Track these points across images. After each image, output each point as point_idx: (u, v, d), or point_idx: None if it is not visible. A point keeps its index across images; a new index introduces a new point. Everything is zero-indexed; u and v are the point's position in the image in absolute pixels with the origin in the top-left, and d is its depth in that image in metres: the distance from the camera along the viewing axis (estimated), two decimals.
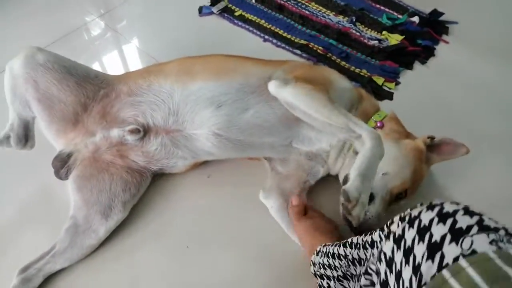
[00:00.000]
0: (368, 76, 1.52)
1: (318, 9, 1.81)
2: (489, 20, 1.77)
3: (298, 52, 1.63)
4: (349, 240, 0.86)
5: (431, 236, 0.56)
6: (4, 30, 1.81)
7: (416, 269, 0.55)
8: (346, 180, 0.91)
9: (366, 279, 0.74)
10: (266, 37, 1.71)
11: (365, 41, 1.66)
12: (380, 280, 0.64)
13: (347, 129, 0.99)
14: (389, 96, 1.46)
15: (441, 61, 1.61)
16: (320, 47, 1.63)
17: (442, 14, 1.76)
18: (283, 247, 1.14)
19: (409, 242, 0.58)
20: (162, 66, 1.22)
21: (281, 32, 1.72)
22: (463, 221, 0.55)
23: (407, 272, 0.57)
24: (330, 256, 0.91)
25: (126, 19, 1.90)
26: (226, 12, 1.83)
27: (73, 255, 1.10)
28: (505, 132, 1.37)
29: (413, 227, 0.59)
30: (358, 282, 0.78)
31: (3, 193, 1.27)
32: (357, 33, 1.69)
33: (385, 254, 0.63)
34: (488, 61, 1.60)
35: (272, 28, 1.74)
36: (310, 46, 1.65)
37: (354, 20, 1.73)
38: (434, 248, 0.55)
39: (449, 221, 0.56)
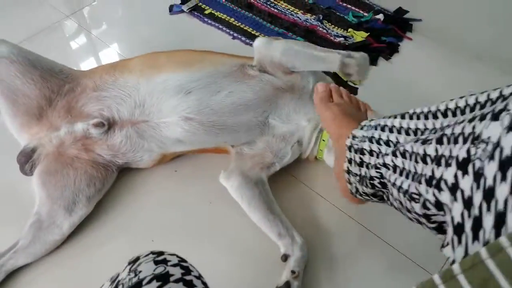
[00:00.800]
0: (333, 72, 1.55)
1: (287, 8, 1.84)
2: (452, 18, 1.83)
3: None
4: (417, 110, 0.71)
5: None
6: None
7: None
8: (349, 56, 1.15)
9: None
10: (235, 34, 1.73)
11: (332, 38, 1.69)
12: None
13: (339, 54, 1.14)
14: (354, 91, 1.50)
15: (405, 57, 1.65)
16: None
17: (406, 12, 1.81)
18: (251, 240, 1.15)
19: None
20: (127, 61, 1.23)
21: (249, 29, 1.75)
22: None
23: None
24: (369, 140, 0.79)
25: (97, 18, 1.90)
26: (196, 11, 1.84)
27: (36, 251, 1.09)
28: None
29: None
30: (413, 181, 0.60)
31: None
32: (324, 31, 1.72)
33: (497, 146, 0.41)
34: (450, 57, 1.65)
35: (241, 26, 1.77)
36: None
37: (321, 18, 1.77)
38: None
39: None
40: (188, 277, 0.60)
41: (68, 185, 1.14)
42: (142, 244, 1.15)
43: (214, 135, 1.18)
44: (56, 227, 1.11)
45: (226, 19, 1.80)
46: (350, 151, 0.85)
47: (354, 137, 0.85)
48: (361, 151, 0.81)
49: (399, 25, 1.75)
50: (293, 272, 1.04)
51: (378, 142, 0.77)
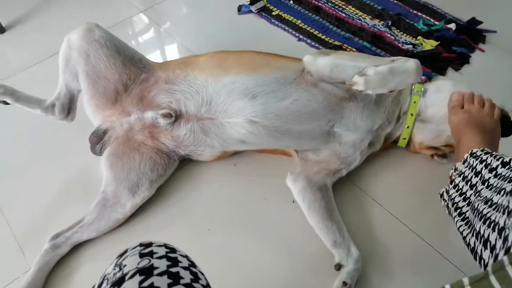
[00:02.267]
0: None
1: (355, 12, 1.83)
2: None
3: None
4: (508, 159, 0.80)
5: None
6: (55, 20, 1.93)
7: None
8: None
9: None
10: (301, 36, 1.75)
11: (399, 45, 1.66)
12: None
13: (393, 61, 1.11)
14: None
15: (476, 69, 1.59)
16: (353, 49, 1.65)
17: (480, 22, 1.74)
18: (304, 242, 1.15)
19: None
20: (197, 58, 1.27)
21: (316, 32, 1.75)
22: None
23: None
24: (480, 163, 0.86)
25: (169, 14, 1.98)
26: (264, 11, 1.88)
27: (100, 227, 1.16)
28: None
29: None
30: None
31: (44, 166, 1.35)
32: (392, 37, 1.69)
33: None
34: None
35: (308, 29, 1.77)
36: (343, 47, 1.67)
37: (389, 24, 1.74)
38: None
39: None
40: (174, 269, 0.59)
41: (134, 168, 1.20)
42: (198, 231, 1.19)
43: (276, 139, 1.19)
44: (119, 207, 1.17)
45: (293, 21, 1.82)
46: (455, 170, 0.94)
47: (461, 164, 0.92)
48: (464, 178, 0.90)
49: (471, 35, 1.69)
50: (344, 283, 1.03)
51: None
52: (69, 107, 1.30)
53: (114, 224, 1.17)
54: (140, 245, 0.64)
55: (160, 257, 0.61)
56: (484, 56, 1.64)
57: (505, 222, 0.66)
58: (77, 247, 1.16)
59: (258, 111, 1.15)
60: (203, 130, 1.20)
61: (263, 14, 1.86)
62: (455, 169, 0.94)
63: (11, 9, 1.97)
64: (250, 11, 1.88)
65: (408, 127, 1.23)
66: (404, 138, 1.25)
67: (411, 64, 1.09)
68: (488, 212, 0.73)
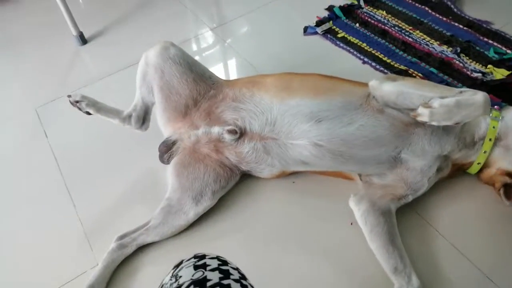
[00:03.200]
0: None
1: (422, 37, 1.81)
2: None
3: None
4: None
5: None
6: (132, 35, 2.07)
7: None
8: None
9: None
10: (366, 59, 1.76)
11: (468, 72, 1.62)
12: None
13: (461, 93, 1.10)
14: None
15: None
16: (419, 74, 1.64)
17: None
18: (360, 266, 1.15)
19: None
20: (264, 79, 1.31)
21: (381, 56, 1.76)
22: None
23: None
24: None
25: (236, 33, 2.06)
26: (329, 33, 1.90)
27: (163, 232, 1.22)
28: None
29: None
30: None
31: (117, 169, 1.46)
32: (460, 64, 1.66)
33: None
34: None
35: (373, 52, 1.78)
36: (409, 72, 1.66)
37: (458, 51, 1.71)
38: None
39: None
40: (226, 281, 0.62)
41: (198, 178, 1.26)
42: (253, 245, 1.22)
43: (340, 163, 1.21)
44: (183, 214, 1.23)
45: (358, 43, 1.83)
46: None
47: None
48: None
49: None
50: None
51: None
52: (144, 118, 1.39)
53: (177, 230, 1.23)
54: (195, 257, 0.68)
55: (212, 269, 0.64)
56: None
57: None
58: (141, 249, 1.23)
59: (323, 135, 1.17)
60: (266, 149, 1.24)
61: (329, 36, 1.89)
62: None
63: (93, 23, 2.14)
64: (316, 33, 1.92)
65: (485, 152, 1.20)
66: (479, 163, 1.22)
67: (480, 97, 1.07)
68: None
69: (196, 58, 1.85)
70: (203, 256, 0.68)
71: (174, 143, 1.32)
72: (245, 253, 1.20)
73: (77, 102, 1.36)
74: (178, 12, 2.19)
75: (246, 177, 1.36)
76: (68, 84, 1.82)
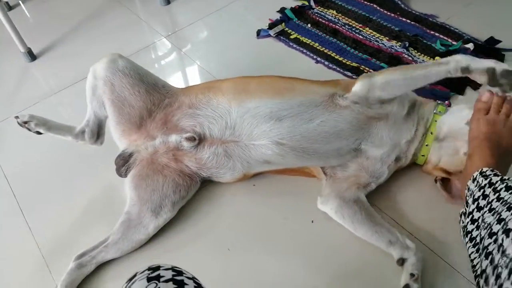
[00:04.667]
0: None
1: (372, 34, 1.85)
2: None
3: (349, 74, 1.68)
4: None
5: None
6: (83, 48, 2.03)
7: None
8: (492, 72, 1.06)
9: None
10: (319, 59, 1.78)
11: None
12: None
13: (444, 65, 1.12)
14: None
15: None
16: (371, 70, 1.67)
17: (499, 41, 1.74)
18: (327, 259, 1.17)
19: None
20: (219, 84, 1.30)
21: (333, 54, 1.79)
22: None
23: None
24: (489, 186, 0.87)
25: (190, 40, 2.05)
26: (282, 35, 1.92)
27: (123, 247, 1.19)
28: None
29: None
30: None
31: (72, 186, 1.42)
32: (409, 58, 1.71)
33: None
34: None
35: (325, 51, 1.81)
36: (361, 68, 1.69)
37: (407, 45, 1.76)
38: None
39: None
40: None
41: (157, 189, 1.24)
42: (218, 251, 1.21)
43: (304, 159, 1.22)
44: (142, 227, 1.21)
45: (311, 44, 1.85)
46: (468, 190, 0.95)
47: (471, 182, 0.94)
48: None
49: (490, 55, 1.68)
50: (412, 275, 1.05)
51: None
52: (98, 132, 1.36)
53: (137, 245, 1.21)
54: (148, 268, 0.67)
55: (166, 281, 0.63)
56: None
57: (498, 260, 0.69)
58: (101, 266, 1.19)
59: (284, 133, 1.17)
60: (227, 153, 1.23)
61: (282, 37, 1.91)
62: (468, 189, 0.94)
63: (42, 37, 2.09)
64: (269, 35, 1.93)
65: (427, 145, 1.24)
66: (423, 155, 1.26)
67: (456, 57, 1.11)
68: (489, 244, 0.75)
69: (152, 67, 1.85)
70: (157, 268, 0.67)
71: (130, 155, 1.29)
72: (208, 260, 1.19)
73: (25, 122, 1.31)
74: (130, 21, 2.16)
75: (206, 183, 1.35)
76: (18, 103, 1.77)
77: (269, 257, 1.18)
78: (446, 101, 1.27)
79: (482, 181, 0.90)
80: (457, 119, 1.21)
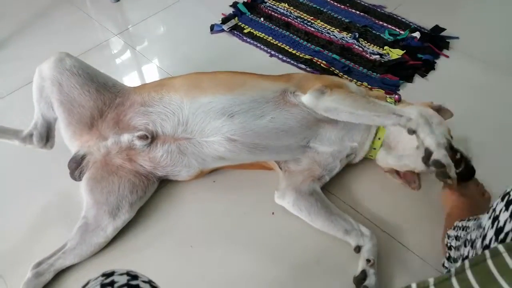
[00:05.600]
0: (369, 88, 1.58)
1: (323, 26, 1.89)
2: (489, 35, 1.82)
3: (303, 66, 1.71)
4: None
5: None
6: (30, 49, 1.95)
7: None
8: (428, 154, 1.00)
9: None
10: (273, 52, 1.80)
11: (367, 55, 1.72)
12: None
13: (395, 116, 1.07)
14: None
15: (441, 74, 1.66)
16: (323, 62, 1.71)
17: (443, 29, 1.82)
18: (288, 249, 1.19)
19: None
20: (172, 80, 1.30)
21: (287, 47, 1.81)
22: None
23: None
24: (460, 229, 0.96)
25: (143, 37, 2.01)
26: (236, 30, 1.92)
27: (82, 252, 1.17)
28: (503, 144, 1.40)
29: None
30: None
31: (24, 193, 1.37)
32: (360, 48, 1.75)
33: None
34: (487, 74, 1.64)
35: (279, 44, 1.83)
36: (314, 60, 1.72)
37: (357, 36, 1.80)
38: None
39: None
40: None
41: (113, 191, 1.22)
42: (181, 249, 1.21)
43: (256, 155, 1.23)
44: (101, 230, 1.19)
45: (264, 37, 1.87)
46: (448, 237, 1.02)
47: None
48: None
49: (435, 42, 1.76)
50: (368, 260, 1.09)
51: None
52: (47, 135, 1.32)
53: (96, 249, 1.18)
54: (102, 275, 0.65)
55: (121, 286, 0.62)
56: (449, 62, 1.72)
57: (475, 235, 0.75)
58: (60, 274, 1.16)
59: (236, 129, 1.18)
60: (180, 150, 1.23)
61: (235, 32, 1.91)
62: (448, 237, 1.01)
63: None
64: (223, 30, 1.93)
65: (375, 148, 1.28)
66: (371, 156, 1.31)
67: (424, 119, 1.04)
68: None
69: (104, 67, 1.79)
70: (111, 273, 0.66)
71: (83, 157, 1.26)
72: (172, 259, 1.19)
73: None
74: (80, 20, 2.10)
75: (165, 182, 1.34)
76: None
77: (231, 251, 1.19)
78: (396, 96, 1.30)
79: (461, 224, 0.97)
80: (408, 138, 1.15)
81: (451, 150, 1.10)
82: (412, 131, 1.05)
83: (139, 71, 1.88)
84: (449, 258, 0.98)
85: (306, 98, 1.19)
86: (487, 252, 0.56)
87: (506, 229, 0.64)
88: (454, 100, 1.43)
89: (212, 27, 1.95)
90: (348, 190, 1.32)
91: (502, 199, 0.69)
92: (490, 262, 0.54)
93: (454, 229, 1.00)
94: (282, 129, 1.20)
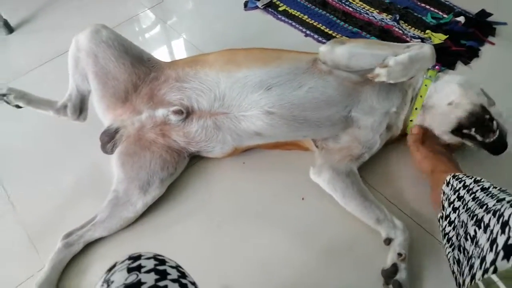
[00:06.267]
0: None
1: (362, 6, 1.82)
2: None
3: None
4: (487, 185, 0.89)
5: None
6: (63, 20, 1.94)
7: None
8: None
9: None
10: (308, 32, 1.74)
11: (408, 39, 1.65)
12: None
13: (408, 49, 1.11)
14: None
15: (485, 62, 1.57)
16: None
17: (490, 14, 1.72)
18: (316, 235, 1.16)
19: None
20: (206, 57, 1.27)
21: (323, 27, 1.75)
22: None
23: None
24: (463, 188, 0.93)
25: (175, 12, 1.98)
26: (270, 7, 1.87)
27: (111, 225, 1.17)
28: None
29: None
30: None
31: (56, 164, 1.38)
32: (400, 31, 1.68)
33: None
34: None
35: (315, 24, 1.77)
36: None
37: (397, 18, 1.73)
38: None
39: None
40: (162, 283, 0.59)
41: (144, 166, 1.21)
42: (207, 229, 1.20)
43: (295, 129, 1.20)
44: (131, 205, 1.19)
45: (300, 16, 1.81)
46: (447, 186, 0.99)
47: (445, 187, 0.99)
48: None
49: (481, 28, 1.67)
50: (399, 254, 1.06)
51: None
52: (81, 107, 1.31)
53: (125, 223, 1.19)
54: (129, 258, 0.64)
55: (148, 271, 0.60)
56: (494, 49, 1.63)
57: (472, 250, 0.73)
58: (89, 245, 1.17)
59: (274, 102, 1.15)
60: (216, 125, 1.21)
61: (270, 9, 1.86)
62: (443, 193, 0.97)
63: (19, 9, 1.99)
64: (257, 7, 1.88)
65: (416, 108, 1.23)
66: (411, 120, 1.24)
67: (427, 49, 1.10)
68: (466, 243, 0.79)
69: (136, 40, 1.76)
70: (138, 257, 0.64)
71: (116, 131, 1.25)
72: (200, 237, 1.18)
73: (3, 95, 1.25)
74: None
75: (195, 160, 1.33)
76: None
77: (258, 234, 1.18)
78: (436, 66, 1.26)
79: (456, 184, 0.94)
80: (444, 94, 1.19)
81: (484, 112, 1.14)
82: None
83: (170, 46, 1.86)
84: (442, 218, 0.96)
85: (322, 48, 1.17)
86: (480, 283, 0.56)
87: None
88: (498, 91, 1.36)
89: (246, 4, 1.90)
90: (381, 178, 1.28)
91: None
92: None
93: (447, 185, 0.97)
94: (322, 99, 1.16)
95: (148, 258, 0.64)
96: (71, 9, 1.99)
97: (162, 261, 0.64)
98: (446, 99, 1.17)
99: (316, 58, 1.19)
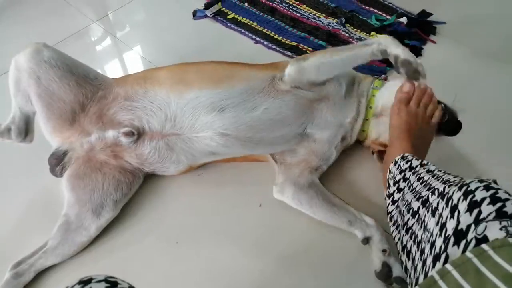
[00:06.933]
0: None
1: (309, 12, 1.84)
2: (476, 20, 1.80)
3: (289, 53, 1.67)
4: (432, 168, 0.91)
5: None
6: (3, 36, 1.86)
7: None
8: (396, 59, 1.11)
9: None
10: (258, 39, 1.75)
11: (354, 41, 1.69)
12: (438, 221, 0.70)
13: (368, 46, 1.13)
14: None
15: (428, 60, 1.63)
16: (310, 48, 1.67)
17: (430, 14, 1.79)
18: (276, 240, 1.17)
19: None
20: (156, 73, 1.24)
21: (272, 34, 1.76)
22: (485, 209, 0.63)
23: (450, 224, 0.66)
24: (409, 170, 0.95)
25: (124, 23, 1.94)
26: (219, 15, 1.87)
27: (64, 252, 1.13)
28: (489, 132, 1.40)
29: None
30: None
31: (4, 190, 1.32)
32: (346, 34, 1.72)
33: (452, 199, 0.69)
34: (474, 60, 1.63)
35: (264, 30, 1.78)
36: (300, 47, 1.68)
37: (343, 21, 1.77)
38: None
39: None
40: None
41: (97, 188, 1.18)
42: (166, 246, 1.18)
43: (250, 148, 1.20)
44: (83, 229, 1.15)
45: (249, 23, 1.82)
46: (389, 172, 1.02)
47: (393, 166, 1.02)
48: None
49: (422, 28, 1.73)
50: (384, 251, 1.07)
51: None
52: (26, 129, 1.26)
53: (79, 248, 1.15)
54: (79, 282, 0.62)
55: None
56: (436, 47, 1.70)
57: (421, 235, 0.74)
58: (41, 274, 1.12)
59: (228, 124, 1.14)
60: (169, 146, 1.18)
61: (219, 18, 1.86)
62: (390, 172, 1.00)
63: None
64: (206, 16, 1.87)
65: (367, 119, 1.26)
66: (363, 131, 1.27)
67: (387, 39, 1.14)
68: (409, 219, 0.82)
69: (84, 56, 1.71)
70: (88, 281, 0.62)
71: (65, 153, 1.21)
72: (159, 254, 1.16)
73: None
74: (56, 6, 2.00)
75: (150, 176, 1.31)
76: None
77: (218, 246, 1.17)
78: (383, 75, 1.30)
79: (403, 164, 0.97)
80: (390, 94, 1.22)
81: None
82: (384, 52, 1.12)
83: (121, 59, 1.82)
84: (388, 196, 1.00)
85: (289, 68, 1.17)
86: (435, 274, 0.55)
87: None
88: (441, 86, 1.41)
89: (194, 13, 1.89)
90: (341, 184, 1.30)
91: (463, 192, 0.68)
92: (441, 283, 0.54)
93: (395, 164, 1.00)
94: (277, 119, 1.16)
95: (99, 281, 0.62)
96: (11, 26, 1.91)
97: (114, 283, 0.62)
98: (389, 104, 1.20)
99: (274, 77, 1.18)
